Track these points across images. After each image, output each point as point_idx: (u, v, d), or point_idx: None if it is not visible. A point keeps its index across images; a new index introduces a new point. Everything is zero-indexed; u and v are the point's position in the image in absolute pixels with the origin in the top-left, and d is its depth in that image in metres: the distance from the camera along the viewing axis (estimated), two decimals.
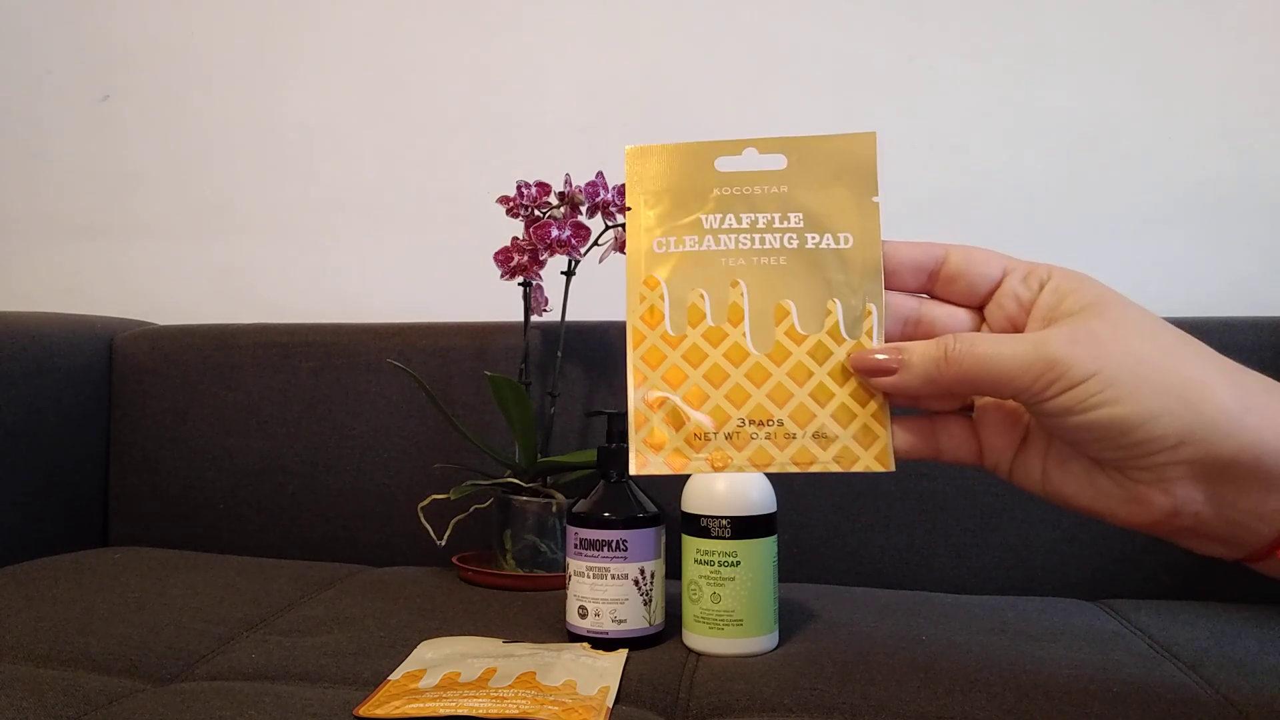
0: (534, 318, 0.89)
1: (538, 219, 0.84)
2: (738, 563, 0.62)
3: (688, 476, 0.66)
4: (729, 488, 0.63)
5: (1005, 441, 0.43)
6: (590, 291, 0.88)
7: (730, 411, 0.43)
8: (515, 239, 0.85)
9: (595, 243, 0.84)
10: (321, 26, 1.21)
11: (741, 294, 0.44)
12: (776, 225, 0.45)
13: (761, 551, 0.63)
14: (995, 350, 0.39)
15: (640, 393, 0.44)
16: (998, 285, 0.43)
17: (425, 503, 0.85)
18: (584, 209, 0.84)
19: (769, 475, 0.65)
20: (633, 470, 0.43)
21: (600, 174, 0.83)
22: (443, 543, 0.83)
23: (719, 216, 0.45)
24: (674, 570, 0.67)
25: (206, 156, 1.23)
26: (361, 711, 0.51)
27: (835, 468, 0.43)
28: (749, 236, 0.45)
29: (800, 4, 1.10)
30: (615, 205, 0.82)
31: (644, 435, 0.43)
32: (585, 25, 1.14)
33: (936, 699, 0.53)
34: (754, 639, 0.62)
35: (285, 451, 0.99)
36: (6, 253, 1.28)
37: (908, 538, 0.88)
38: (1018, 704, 0.53)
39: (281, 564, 0.89)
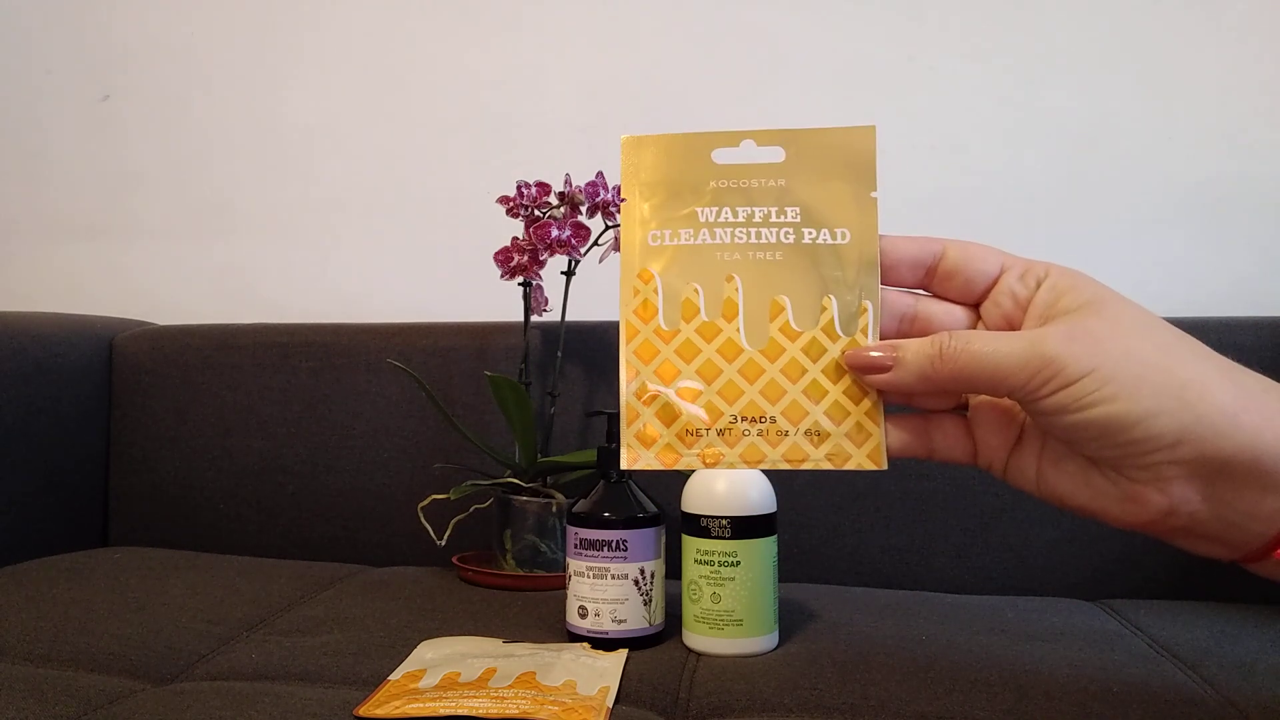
0: (534, 318, 0.89)
1: (538, 219, 0.84)
2: (738, 563, 0.62)
3: (688, 476, 0.66)
4: (729, 488, 0.63)
5: (1000, 440, 0.43)
6: (590, 291, 0.88)
7: (723, 407, 0.43)
8: (515, 239, 0.85)
9: (595, 243, 0.84)
10: (321, 26, 1.21)
11: (736, 289, 0.44)
12: (773, 219, 0.44)
13: (761, 551, 0.63)
14: (991, 347, 0.38)
15: (632, 387, 0.43)
16: (995, 282, 0.43)
17: (425, 503, 0.85)
18: (584, 209, 0.84)
19: (769, 475, 0.65)
20: (624, 465, 0.43)
21: (600, 174, 0.83)
22: (443, 543, 0.83)
23: (715, 210, 0.45)
24: (674, 570, 0.67)
25: (206, 156, 1.23)
26: (361, 711, 0.51)
27: (827, 465, 0.42)
28: (745, 230, 0.44)
29: (800, 4, 1.10)
30: (615, 205, 0.82)
31: (635, 430, 0.43)
32: (585, 25, 1.14)
33: (936, 699, 0.53)
34: (754, 639, 0.62)
35: (285, 451, 0.99)
36: (6, 253, 1.28)
37: (908, 538, 0.87)
38: (1018, 704, 0.53)
39: (281, 564, 0.89)
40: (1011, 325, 0.42)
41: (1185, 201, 1.02)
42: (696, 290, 0.44)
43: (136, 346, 1.05)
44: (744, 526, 0.62)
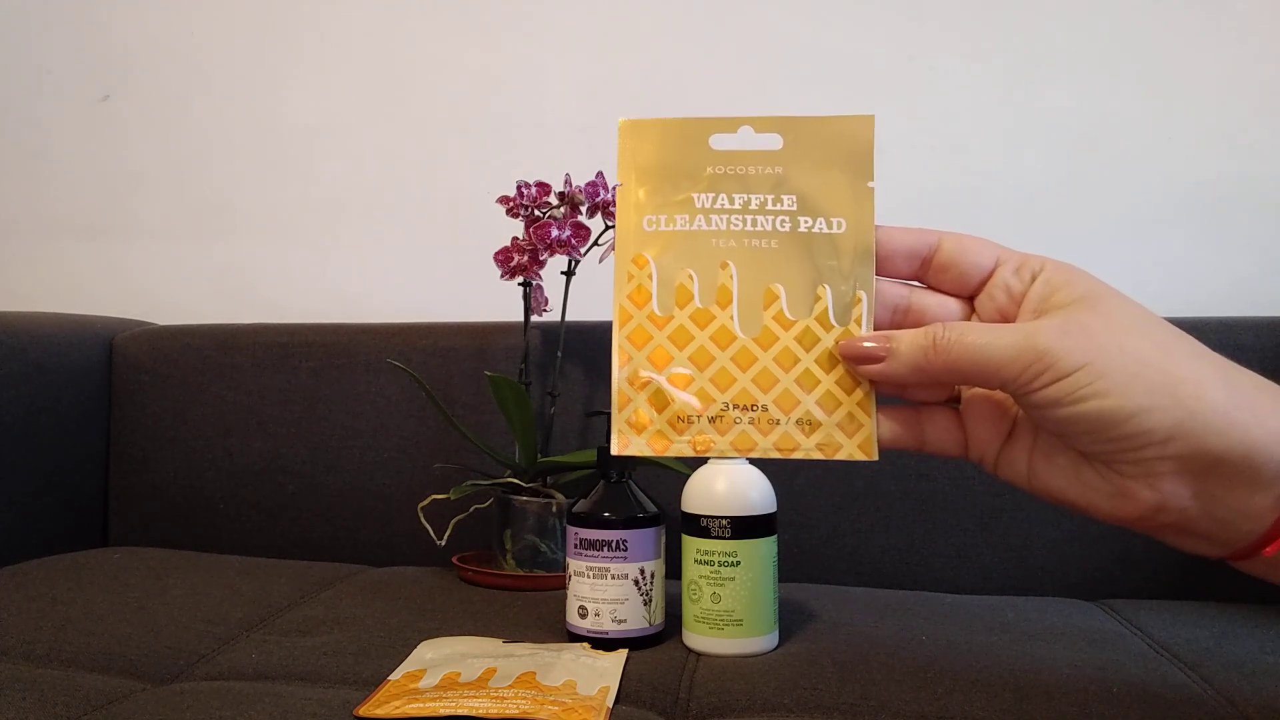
0: (534, 318, 0.89)
1: (538, 219, 0.84)
2: (738, 563, 0.62)
3: (688, 476, 0.66)
4: (729, 488, 0.63)
5: (992, 434, 0.43)
6: (590, 291, 0.88)
7: (715, 395, 0.43)
8: (515, 239, 0.85)
9: (595, 243, 0.84)
10: (321, 26, 1.21)
11: (731, 276, 0.44)
12: (769, 207, 0.44)
13: (761, 551, 0.63)
14: (984, 339, 0.38)
15: (624, 373, 0.43)
16: (989, 275, 0.43)
17: (425, 503, 0.85)
18: (584, 209, 0.84)
19: (768, 475, 0.65)
20: (614, 451, 0.42)
21: (600, 174, 0.83)
22: (443, 543, 0.83)
23: (711, 196, 0.44)
24: (674, 570, 0.67)
25: (206, 156, 1.23)
26: (361, 711, 0.51)
27: (818, 455, 0.42)
28: (741, 217, 0.44)
29: (800, 4, 1.10)
30: (615, 205, 0.82)
31: (627, 416, 0.43)
32: (585, 25, 1.14)
33: (936, 699, 0.53)
34: (754, 639, 0.62)
35: (285, 451, 0.99)
36: (6, 253, 1.28)
37: (908, 538, 0.87)
38: (1018, 704, 0.53)
39: (281, 564, 0.89)
40: (1006, 318, 0.42)
41: (1185, 201, 1.02)
42: (691, 276, 0.44)
43: (136, 346, 1.05)
44: (744, 526, 0.62)
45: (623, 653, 0.62)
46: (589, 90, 1.14)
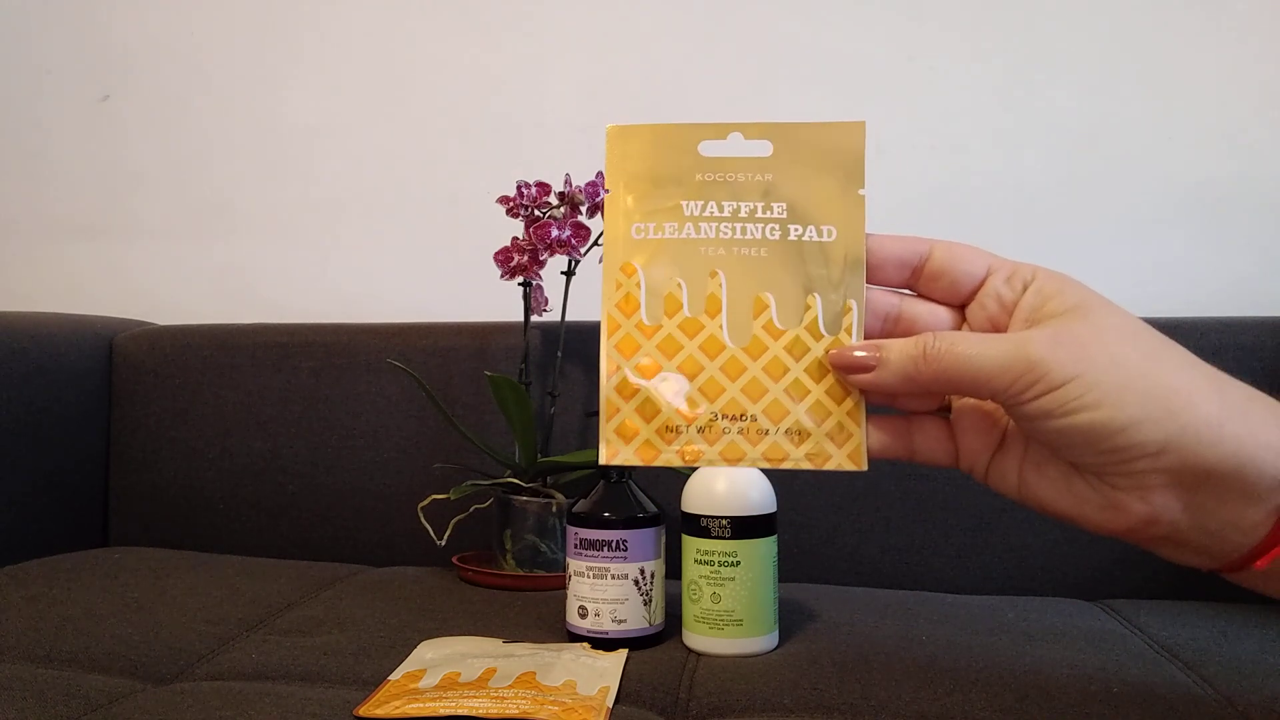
0: (534, 318, 0.89)
1: (538, 219, 0.84)
2: (738, 563, 0.62)
3: (687, 476, 0.66)
4: (729, 488, 0.63)
5: (982, 444, 0.43)
6: (590, 291, 0.87)
7: (703, 405, 0.43)
8: (515, 239, 0.85)
9: (595, 243, 0.84)
10: (321, 26, 1.21)
11: (720, 285, 0.43)
12: (759, 215, 0.44)
13: (761, 551, 0.63)
14: (975, 350, 0.38)
15: (613, 382, 0.43)
16: (981, 284, 0.42)
17: (425, 503, 0.85)
18: (584, 209, 0.84)
19: (768, 475, 0.65)
20: (602, 460, 0.42)
21: (600, 174, 0.83)
22: (443, 543, 0.83)
23: (700, 203, 0.44)
24: (674, 570, 0.67)
25: (206, 156, 1.23)
26: (361, 711, 0.51)
27: (807, 465, 0.42)
28: (730, 225, 0.44)
29: (800, 4, 1.10)
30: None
31: (615, 425, 0.43)
32: (586, 26, 1.14)
33: (936, 699, 0.53)
34: (754, 639, 0.62)
35: (285, 451, 0.99)
36: (6, 253, 1.28)
37: (908, 538, 0.87)
38: (1018, 704, 0.53)
39: (281, 564, 0.89)
40: (996, 328, 0.42)
41: (1185, 201, 1.02)
42: (680, 285, 0.44)
43: (136, 346, 1.05)
44: (744, 526, 0.62)
45: (623, 653, 0.62)
46: (589, 90, 1.14)
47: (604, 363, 0.43)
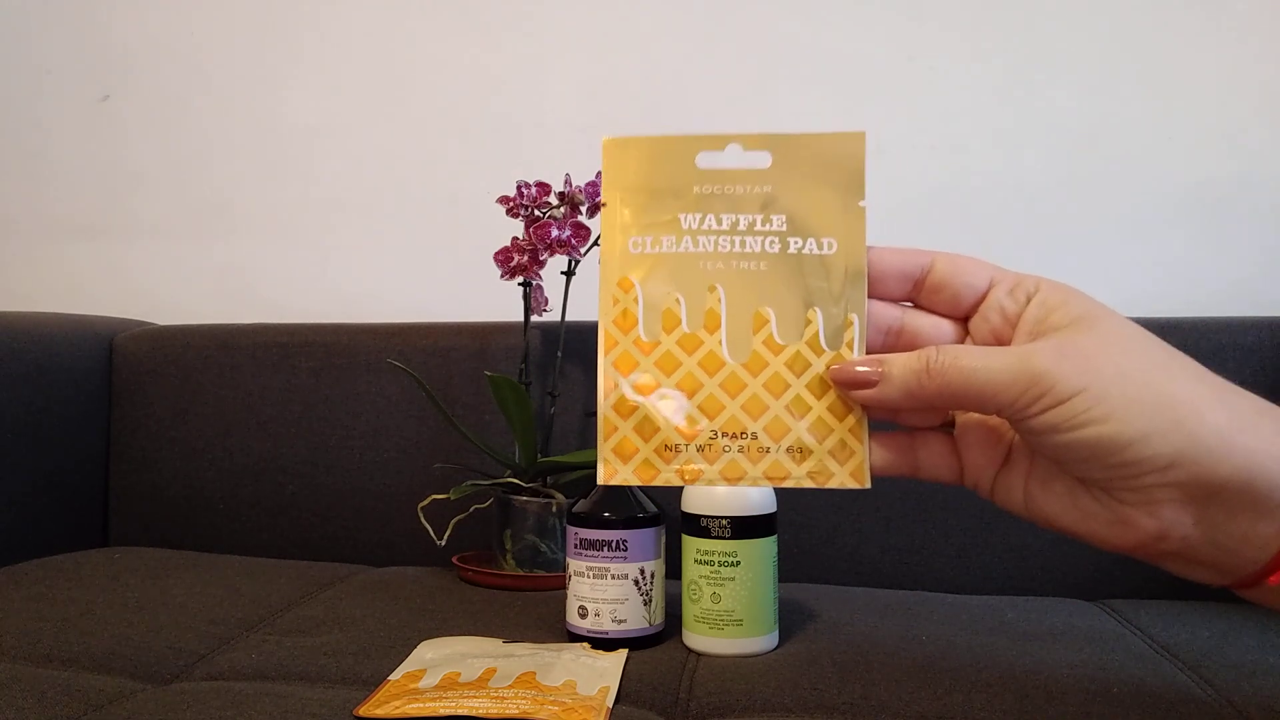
0: (534, 318, 0.89)
1: (538, 219, 0.84)
2: (738, 563, 0.62)
3: None
4: (729, 488, 0.63)
5: (987, 460, 0.42)
6: (590, 291, 0.86)
7: (703, 422, 0.42)
8: (515, 239, 0.85)
9: (595, 243, 0.84)
10: (321, 26, 1.21)
11: (719, 300, 0.43)
12: (758, 228, 0.43)
13: (761, 551, 0.63)
14: (979, 363, 0.37)
15: (610, 400, 0.42)
16: (983, 296, 0.42)
17: (425, 503, 0.85)
18: (584, 209, 0.84)
19: None
20: (600, 480, 0.41)
21: (600, 174, 0.83)
22: (443, 543, 0.83)
23: (698, 216, 0.43)
24: (674, 570, 0.67)
25: (206, 156, 1.23)
26: (361, 711, 0.51)
27: (809, 483, 0.41)
28: (729, 239, 0.43)
29: (800, 4, 1.10)
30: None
31: (613, 444, 0.42)
32: (586, 25, 1.14)
33: (936, 699, 0.53)
34: (754, 639, 0.62)
35: (285, 451, 0.99)
36: (6, 253, 1.28)
37: (908, 538, 0.87)
38: (1018, 704, 0.53)
39: (281, 564, 0.89)
40: (1000, 341, 0.41)
41: (1185, 201, 1.02)
42: (678, 300, 0.43)
43: (136, 346, 1.05)
44: (744, 526, 0.62)
45: (623, 653, 0.62)
46: (589, 90, 1.14)
47: (601, 380, 0.42)
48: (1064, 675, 0.57)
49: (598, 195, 0.82)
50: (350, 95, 1.20)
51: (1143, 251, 1.03)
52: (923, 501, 0.87)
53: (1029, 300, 0.40)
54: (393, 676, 0.57)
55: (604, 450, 0.42)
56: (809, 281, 0.42)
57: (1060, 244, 1.04)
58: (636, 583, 0.64)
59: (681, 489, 0.65)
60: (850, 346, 0.42)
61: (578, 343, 0.93)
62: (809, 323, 0.42)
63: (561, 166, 0.85)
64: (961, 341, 0.43)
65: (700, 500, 0.64)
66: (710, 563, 0.62)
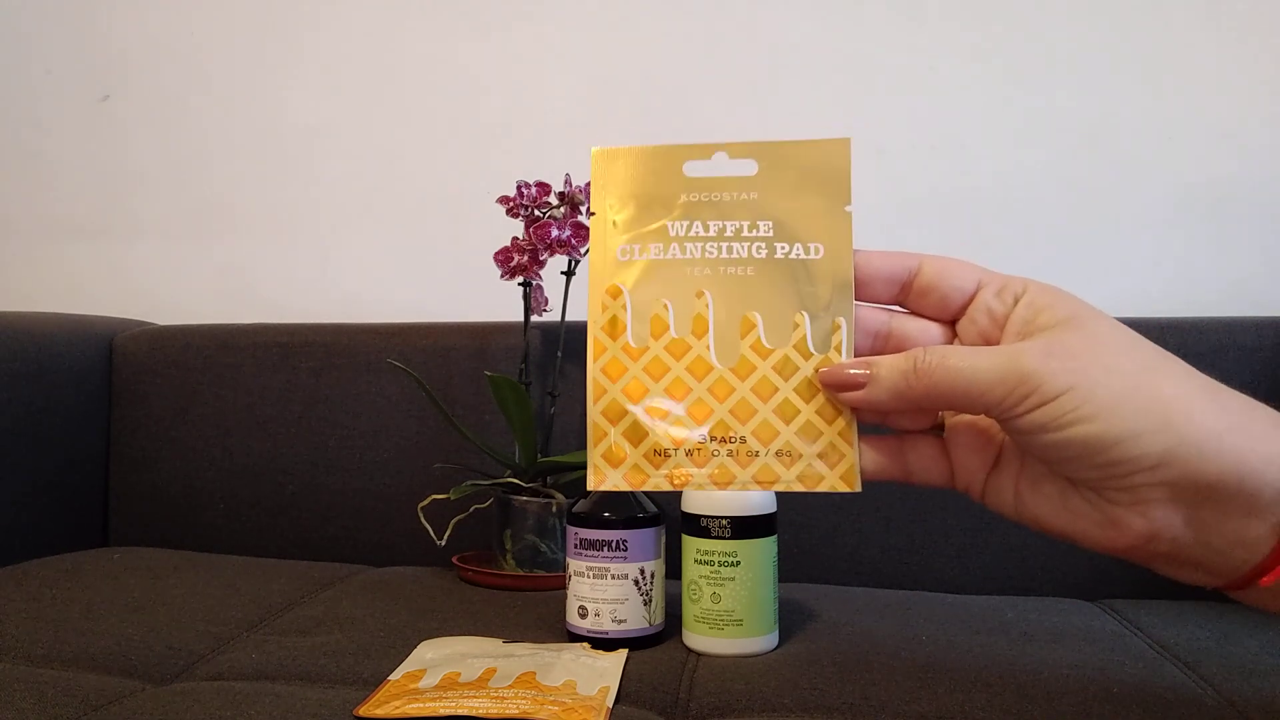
0: (534, 318, 0.89)
1: (538, 219, 0.84)
2: (738, 563, 0.62)
3: None
4: None
5: (977, 462, 0.42)
6: None
7: (692, 427, 0.42)
8: (515, 239, 0.85)
9: None
10: (321, 26, 1.21)
11: (707, 305, 0.43)
12: (745, 234, 0.43)
13: (761, 551, 0.63)
14: (967, 363, 0.37)
15: (599, 406, 0.42)
16: (971, 299, 0.42)
17: (425, 503, 0.85)
18: (584, 209, 0.84)
19: None
20: (590, 486, 0.42)
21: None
22: (443, 543, 0.83)
23: (686, 223, 0.44)
24: (674, 570, 0.67)
25: (206, 156, 1.23)
26: (361, 711, 0.51)
27: (799, 487, 0.41)
28: (716, 245, 0.43)
29: (800, 4, 1.10)
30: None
31: (602, 450, 0.42)
32: (585, 25, 1.14)
33: (936, 699, 0.53)
34: (754, 639, 0.62)
35: (285, 451, 0.99)
36: (6, 253, 1.28)
37: (908, 538, 0.87)
38: (1018, 704, 0.53)
39: (281, 564, 0.89)
40: (989, 342, 0.41)
41: (1185, 201, 1.02)
42: (666, 306, 0.43)
43: (136, 346, 1.05)
44: (744, 526, 0.62)
45: (623, 653, 0.62)
46: (589, 90, 1.14)
47: (590, 387, 0.43)
48: (1064, 675, 0.57)
49: None
50: (350, 95, 1.20)
51: (1143, 251, 1.03)
52: (923, 501, 0.87)
53: (1016, 301, 0.40)
54: (393, 676, 0.57)
55: (594, 456, 0.42)
56: (796, 286, 0.43)
57: (1060, 244, 1.04)
58: (636, 583, 0.64)
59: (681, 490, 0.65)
60: (838, 350, 0.42)
61: (578, 343, 0.93)
62: (796, 327, 0.42)
63: (561, 166, 0.85)
64: (950, 344, 0.43)
65: (700, 500, 0.64)
66: (710, 563, 0.62)
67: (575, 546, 0.66)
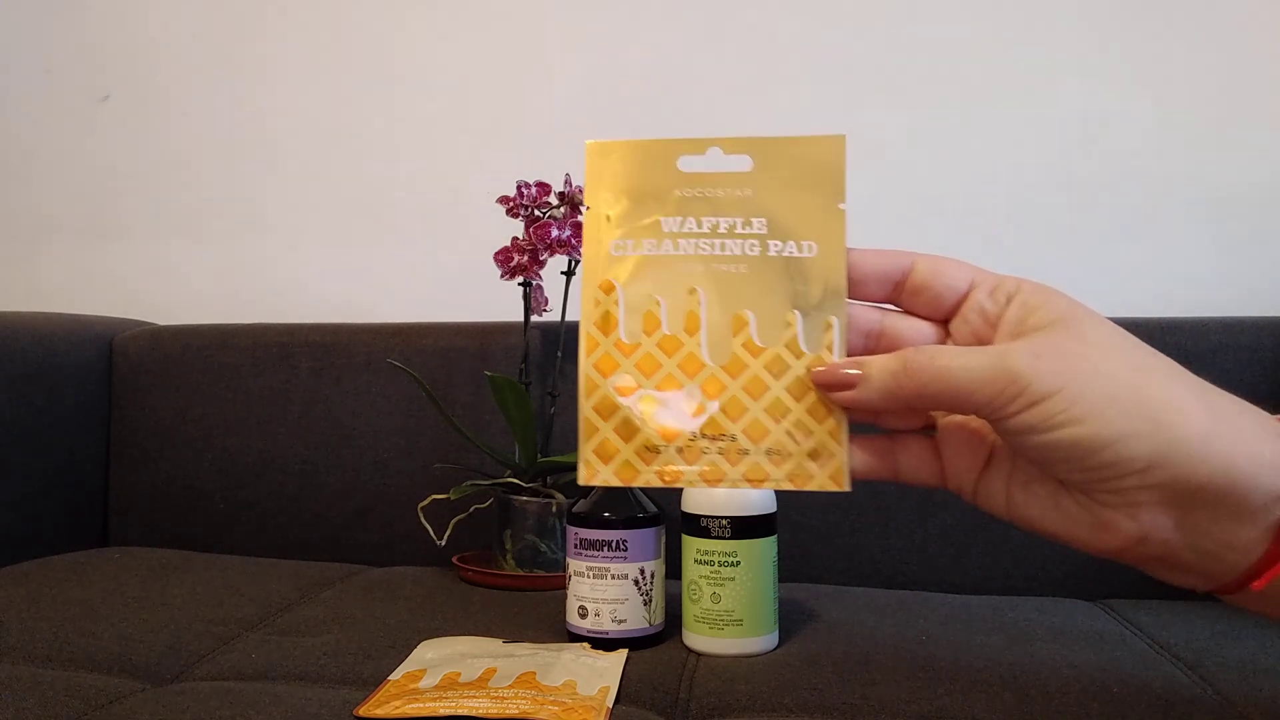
0: (534, 318, 0.89)
1: (538, 219, 0.84)
2: (738, 563, 0.62)
3: None
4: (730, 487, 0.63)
5: (968, 463, 0.42)
6: None
7: (682, 425, 0.42)
8: (515, 239, 0.85)
9: None
10: (321, 27, 1.21)
11: (699, 302, 0.43)
12: (739, 231, 0.43)
13: (761, 551, 0.63)
14: (956, 362, 0.37)
15: (591, 401, 0.42)
16: (964, 298, 0.41)
17: (425, 503, 0.85)
18: (584, 209, 0.84)
19: None
20: (580, 481, 0.42)
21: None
22: (443, 543, 0.83)
23: (679, 219, 0.44)
24: (674, 570, 0.67)
25: (206, 156, 1.23)
26: (361, 711, 0.51)
27: (788, 485, 0.41)
28: (709, 242, 0.43)
29: (800, 4, 1.10)
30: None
31: (593, 446, 0.42)
32: (586, 25, 1.14)
33: (936, 699, 0.53)
34: (754, 639, 0.62)
35: (285, 451, 0.99)
36: (6, 253, 1.28)
37: (908, 538, 0.88)
38: (1018, 704, 0.53)
39: (281, 564, 0.89)
40: (981, 342, 0.40)
41: (1185, 201, 1.02)
42: (658, 303, 0.43)
43: (136, 346, 1.05)
44: (744, 526, 0.62)
45: (623, 653, 0.62)
46: (589, 90, 1.14)
47: (582, 382, 0.43)
48: (1064, 675, 0.57)
49: None
50: (350, 95, 1.20)
51: (1143, 251, 1.03)
52: (923, 501, 0.87)
53: (1009, 301, 0.40)
54: (393, 676, 0.57)
55: (585, 451, 0.42)
56: (789, 285, 0.43)
57: (1060, 244, 1.04)
58: (636, 583, 0.64)
59: (681, 490, 0.65)
60: (830, 349, 0.42)
61: (577, 343, 0.93)
62: (788, 325, 0.42)
63: (561, 166, 0.85)
64: (942, 343, 0.42)
65: (700, 500, 0.64)
66: (710, 563, 0.62)
67: (575, 546, 0.66)
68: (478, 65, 1.16)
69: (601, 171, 0.45)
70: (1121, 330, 0.38)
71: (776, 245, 0.43)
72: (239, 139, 1.22)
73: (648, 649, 0.64)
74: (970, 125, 1.06)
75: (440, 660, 0.60)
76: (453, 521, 0.84)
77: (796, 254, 0.43)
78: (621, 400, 0.42)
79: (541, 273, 0.85)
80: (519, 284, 0.87)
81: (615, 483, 0.42)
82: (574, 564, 0.66)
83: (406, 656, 0.61)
